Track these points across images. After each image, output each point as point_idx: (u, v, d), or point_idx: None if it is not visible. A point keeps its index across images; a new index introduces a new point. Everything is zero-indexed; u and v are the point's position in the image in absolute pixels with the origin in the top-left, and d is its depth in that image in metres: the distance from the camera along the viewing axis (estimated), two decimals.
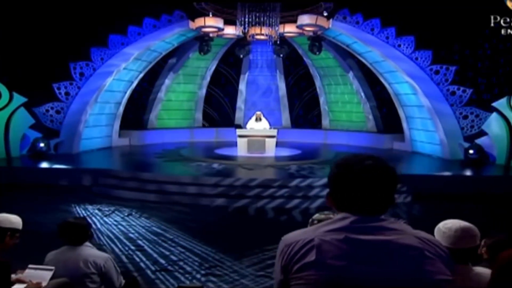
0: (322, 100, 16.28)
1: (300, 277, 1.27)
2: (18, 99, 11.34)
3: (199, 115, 16.81)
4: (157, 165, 11.08)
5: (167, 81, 15.58)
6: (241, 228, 7.09)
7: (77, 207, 7.91)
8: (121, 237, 6.29)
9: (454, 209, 7.81)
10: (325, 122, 16.42)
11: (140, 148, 13.91)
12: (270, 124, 12.57)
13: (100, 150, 13.21)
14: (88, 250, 3.17)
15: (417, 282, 1.22)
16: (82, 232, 3.23)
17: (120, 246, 5.92)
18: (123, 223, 6.98)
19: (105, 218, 7.24)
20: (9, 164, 10.89)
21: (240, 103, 16.92)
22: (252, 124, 12.34)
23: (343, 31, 12.58)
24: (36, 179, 9.66)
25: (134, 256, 5.56)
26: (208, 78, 16.49)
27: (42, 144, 11.46)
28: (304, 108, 16.77)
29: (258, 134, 11.92)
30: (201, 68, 16.14)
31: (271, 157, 11.71)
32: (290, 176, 9.24)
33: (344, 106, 15.96)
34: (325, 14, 12.94)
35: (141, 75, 13.96)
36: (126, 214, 7.52)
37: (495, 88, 12.60)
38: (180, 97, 16.24)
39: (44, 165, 10.63)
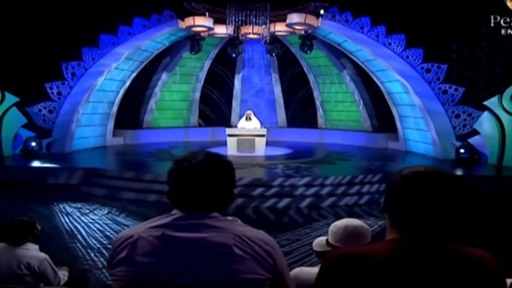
0: (317, 99, 16.21)
1: (114, 273, 1.28)
2: (10, 98, 11.46)
3: (194, 115, 16.83)
4: (144, 165, 11.09)
5: (161, 81, 15.63)
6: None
7: (59, 206, 7.97)
8: (96, 235, 6.33)
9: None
10: (320, 121, 16.35)
11: (133, 148, 13.97)
12: (261, 123, 12.54)
13: (94, 149, 13.30)
14: (24, 252, 3.15)
15: (222, 280, 1.21)
16: (23, 232, 3.21)
17: (91, 243, 5.97)
18: (100, 221, 7.03)
19: (82, 217, 7.29)
20: (1, 163, 11.04)
21: (235, 102, 16.91)
22: (242, 124, 12.34)
23: (332, 30, 12.50)
24: (26, 177, 9.77)
25: (104, 252, 5.60)
26: (203, 78, 16.50)
27: (33, 144, 11.56)
28: (300, 107, 16.71)
29: (248, 134, 11.89)
30: (196, 67, 16.17)
31: (260, 157, 11.69)
32: (275, 176, 9.21)
33: (339, 105, 15.86)
34: (322, 12, 12.86)
35: (134, 75, 14.02)
36: (105, 213, 7.58)
37: (492, 87, 12.40)
38: (175, 96, 16.28)
39: (34, 164, 10.71)
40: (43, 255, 3.24)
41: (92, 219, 7.19)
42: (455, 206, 1.23)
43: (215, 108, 17.02)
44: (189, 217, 1.30)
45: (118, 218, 7.25)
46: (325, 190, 8.70)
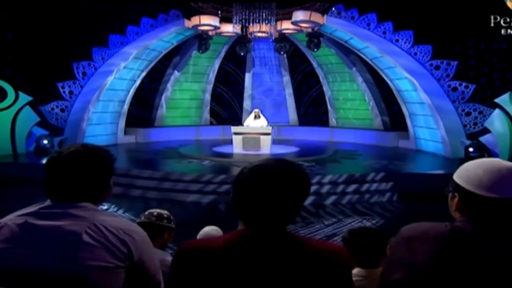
0: (327, 97, 16.07)
1: None
2: (24, 98, 11.84)
3: (206, 113, 16.97)
4: (149, 162, 11.22)
5: (173, 79, 15.82)
6: (216, 223, 7.12)
7: None
8: None
9: (440, 209, 7.52)
10: (331, 119, 16.21)
11: (143, 146, 14.16)
12: (268, 122, 12.52)
13: (105, 147, 13.55)
14: None
15: (67, 267, 1.25)
16: None
17: None
18: None
19: None
20: (15, 160, 11.45)
21: (245, 100, 16.95)
22: (249, 122, 12.35)
23: (338, 27, 12.35)
24: (37, 174, 10.05)
25: None
26: (214, 76, 16.62)
27: (45, 141, 11.95)
28: (311, 106, 16.60)
29: (253, 132, 11.89)
30: (206, 66, 16.29)
31: (266, 155, 11.66)
32: None
33: (350, 103, 15.68)
34: (333, 9, 12.69)
35: (144, 74, 14.26)
36: (104, 209, 7.74)
37: (509, 84, 11.97)
38: (187, 95, 16.45)
39: (43, 160, 11.01)
40: None
41: None
42: (293, 197, 1.23)
43: (227, 106, 17.10)
44: (55, 206, 1.36)
45: (116, 215, 7.39)
46: (325, 189, 8.64)
